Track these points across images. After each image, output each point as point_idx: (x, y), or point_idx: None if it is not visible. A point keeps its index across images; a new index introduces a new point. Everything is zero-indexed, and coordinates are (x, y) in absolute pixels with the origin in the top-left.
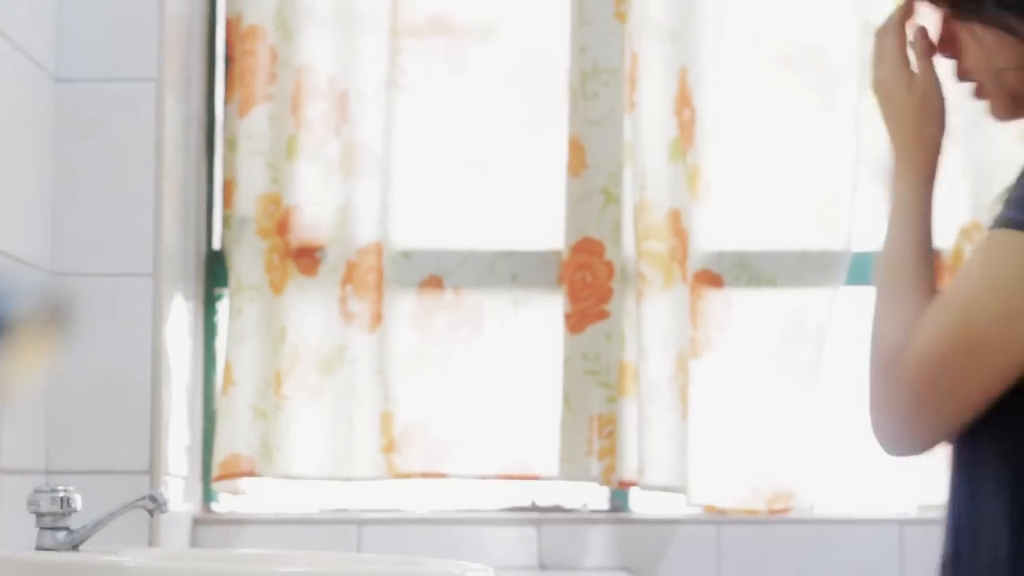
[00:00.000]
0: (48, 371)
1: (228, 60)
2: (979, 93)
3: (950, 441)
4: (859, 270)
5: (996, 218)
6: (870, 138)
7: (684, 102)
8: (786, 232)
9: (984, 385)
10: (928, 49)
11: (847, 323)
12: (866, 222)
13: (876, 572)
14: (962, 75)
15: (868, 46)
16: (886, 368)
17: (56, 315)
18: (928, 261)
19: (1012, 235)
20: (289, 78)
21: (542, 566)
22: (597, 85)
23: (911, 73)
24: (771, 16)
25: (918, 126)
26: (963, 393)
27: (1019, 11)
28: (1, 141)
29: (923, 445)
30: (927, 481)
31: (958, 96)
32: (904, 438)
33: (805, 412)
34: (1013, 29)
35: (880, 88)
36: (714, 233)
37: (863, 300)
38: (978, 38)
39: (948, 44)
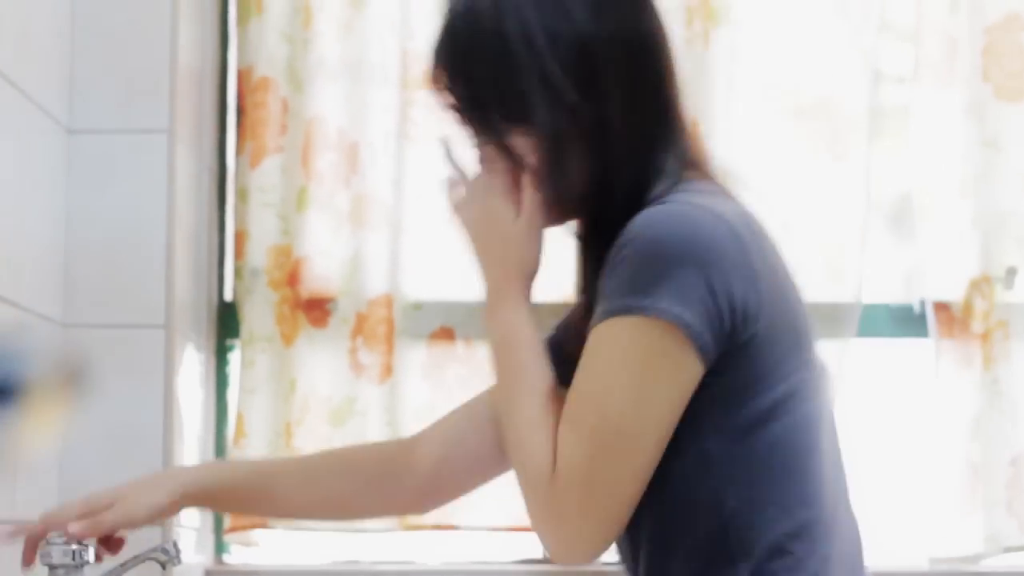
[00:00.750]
0: (63, 429)
1: (239, 111)
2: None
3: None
4: (869, 322)
5: (599, 313)
6: (880, 188)
7: None
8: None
9: (638, 472)
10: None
11: (857, 375)
12: (876, 274)
13: None
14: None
15: (878, 91)
16: (540, 486)
17: (71, 375)
18: (548, 377)
19: (618, 322)
20: (299, 130)
21: None
22: None
23: (514, 202)
24: (781, 68)
25: (522, 255)
26: (621, 484)
27: (567, 121)
28: (13, 192)
29: (599, 545)
30: (940, 534)
31: (968, 147)
32: (580, 543)
33: None
34: (557, 134)
35: (483, 220)
36: None
37: (873, 352)
38: (522, 149)
39: (491, 161)
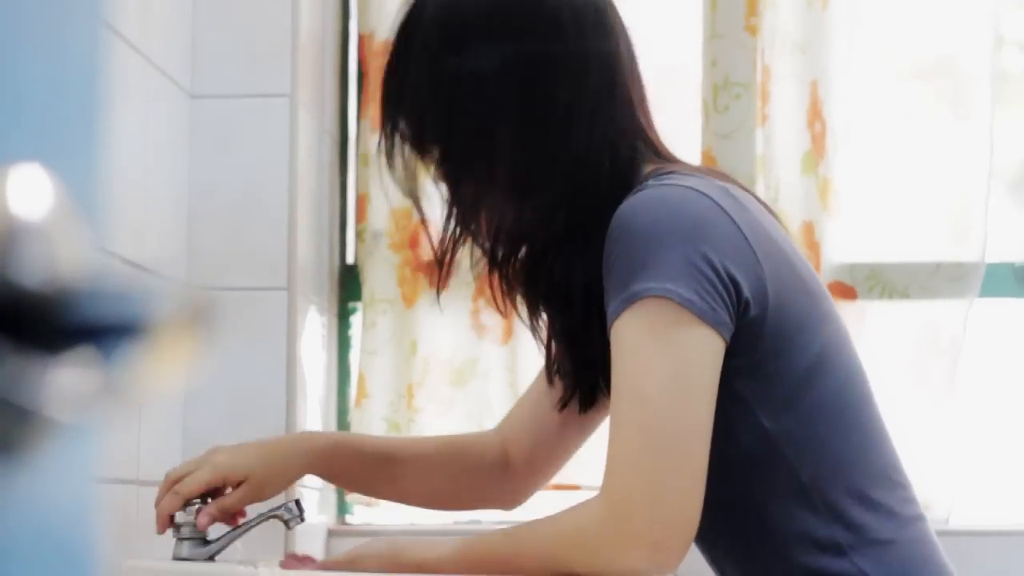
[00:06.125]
0: (185, 375)
1: (361, 76)
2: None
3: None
4: (993, 282)
5: (609, 315)
6: (1003, 148)
7: (815, 114)
8: (919, 243)
9: (695, 456)
10: None
11: (981, 335)
12: (1000, 233)
13: None
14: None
15: (1001, 56)
16: (597, 514)
17: (195, 320)
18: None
19: (626, 316)
20: None
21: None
22: (728, 98)
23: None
24: (902, 27)
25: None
26: (681, 470)
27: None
28: (137, 157)
29: (683, 537)
30: None
31: None
32: (662, 543)
33: (939, 424)
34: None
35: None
36: (847, 245)
37: (997, 312)
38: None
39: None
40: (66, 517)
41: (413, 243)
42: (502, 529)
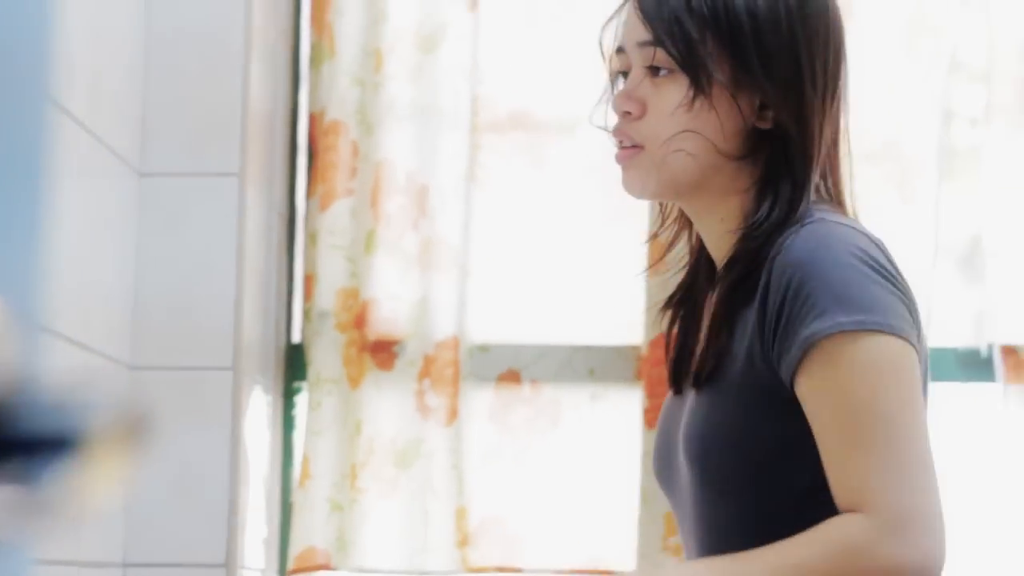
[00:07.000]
0: (127, 478)
1: (310, 154)
2: (626, 159)
3: None
4: (936, 366)
5: (809, 334)
6: (950, 230)
7: None
8: None
9: (933, 469)
10: None
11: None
12: (944, 317)
13: None
14: (628, 136)
15: (949, 132)
16: (862, 536)
17: (136, 424)
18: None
19: (850, 338)
20: (369, 173)
21: None
22: None
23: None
24: (850, 110)
25: None
26: (930, 483)
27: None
28: (85, 235)
29: (946, 556)
30: None
31: None
32: (934, 545)
33: None
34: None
35: None
36: None
37: (940, 396)
38: (667, 101)
39: (632, 101)
40: None
41: (359, 323)
42: (747, 556)
